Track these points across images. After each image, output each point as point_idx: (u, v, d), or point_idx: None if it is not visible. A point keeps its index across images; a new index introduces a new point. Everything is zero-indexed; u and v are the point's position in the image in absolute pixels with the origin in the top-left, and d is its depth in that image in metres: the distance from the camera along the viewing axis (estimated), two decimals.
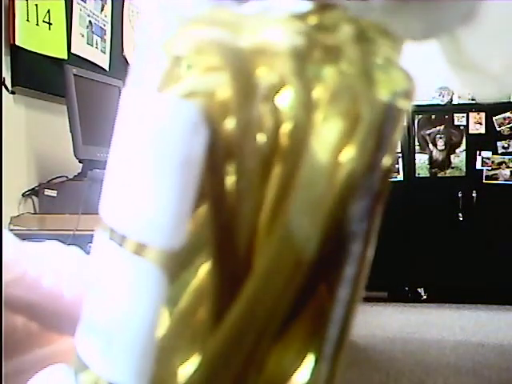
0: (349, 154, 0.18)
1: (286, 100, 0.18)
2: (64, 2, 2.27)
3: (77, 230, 1.89)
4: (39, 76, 2.15)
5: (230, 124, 0.18)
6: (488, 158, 4.46)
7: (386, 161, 0.19)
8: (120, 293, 0.18)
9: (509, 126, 4.41)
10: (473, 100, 4.62)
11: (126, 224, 0.18)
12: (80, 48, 2.38)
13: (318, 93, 0.18)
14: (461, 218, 4.44)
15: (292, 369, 0.19)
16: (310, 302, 0.19)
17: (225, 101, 0.18)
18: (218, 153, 0.18)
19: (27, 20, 2.06)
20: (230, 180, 0.18)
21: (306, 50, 0.18)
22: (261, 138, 0.18)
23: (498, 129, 4.42)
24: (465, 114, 4.43)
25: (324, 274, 0.19)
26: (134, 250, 0.18)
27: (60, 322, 0.24)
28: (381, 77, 0.19)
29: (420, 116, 4.42)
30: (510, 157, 4.43)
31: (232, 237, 0.17)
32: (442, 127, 4.46)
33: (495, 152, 4.44)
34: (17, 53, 2.04)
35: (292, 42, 0.18)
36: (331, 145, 0.18)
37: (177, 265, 0.17)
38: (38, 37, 2.12)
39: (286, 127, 0.18)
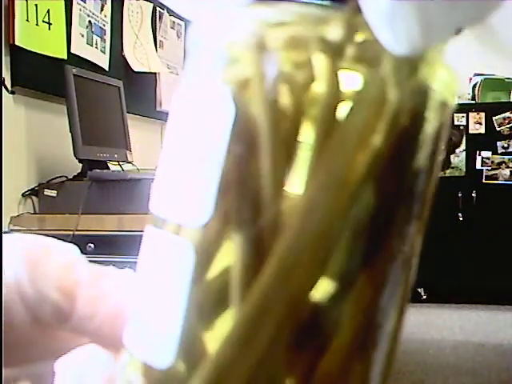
0: (375, 136, 0.18)
1: (314, 85, 0.18)
2: (64, 2, 2.27)
3: (76, 230, 1.89)
4: (39, 76, 2.15)
5: (255, 107, 0.18)
6: (488, 158, 4.46)
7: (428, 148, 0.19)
8: (157, 270, 0.20)
9: (509, 126, 4.41)
10: (473, 100, 4.63)
11: (167, 209, 0.20)
12: (80, 48, 2.38)
13: (349, 79, 0.18)
14: (461, 218, 4.44)
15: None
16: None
17: (250, 84, 0.18)
18: (244, 133, 0.18)
19: (27, 20, 2.06)
20: (255, 161, 0.18)
21: (341, 43, 0.18)
22: (284, 121, 0.18)
23: (498, 129, 4.42)
24: (464, 114, 4.43)
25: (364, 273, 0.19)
26: (173, 230, 0.20)
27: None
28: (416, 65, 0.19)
29: None
30: (509, 157, 4.43)
31: (257, 211, 0.18)
32: None
33: (495, 152, 4.44)
34: (16, 53, 2.04)
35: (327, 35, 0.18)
36: (358, 127, 0.18)
37: (204, 239, 0.19)
38: (38, 37, 2.12)
39: (312, 112, 0.18)
